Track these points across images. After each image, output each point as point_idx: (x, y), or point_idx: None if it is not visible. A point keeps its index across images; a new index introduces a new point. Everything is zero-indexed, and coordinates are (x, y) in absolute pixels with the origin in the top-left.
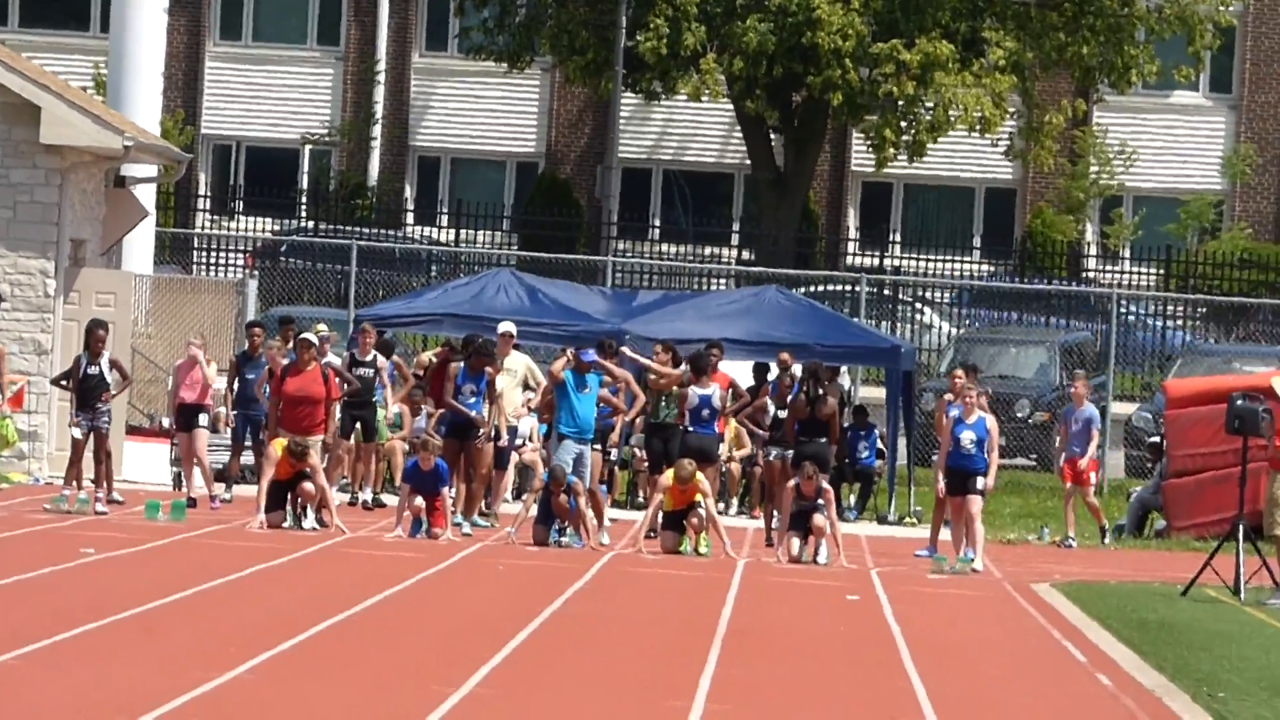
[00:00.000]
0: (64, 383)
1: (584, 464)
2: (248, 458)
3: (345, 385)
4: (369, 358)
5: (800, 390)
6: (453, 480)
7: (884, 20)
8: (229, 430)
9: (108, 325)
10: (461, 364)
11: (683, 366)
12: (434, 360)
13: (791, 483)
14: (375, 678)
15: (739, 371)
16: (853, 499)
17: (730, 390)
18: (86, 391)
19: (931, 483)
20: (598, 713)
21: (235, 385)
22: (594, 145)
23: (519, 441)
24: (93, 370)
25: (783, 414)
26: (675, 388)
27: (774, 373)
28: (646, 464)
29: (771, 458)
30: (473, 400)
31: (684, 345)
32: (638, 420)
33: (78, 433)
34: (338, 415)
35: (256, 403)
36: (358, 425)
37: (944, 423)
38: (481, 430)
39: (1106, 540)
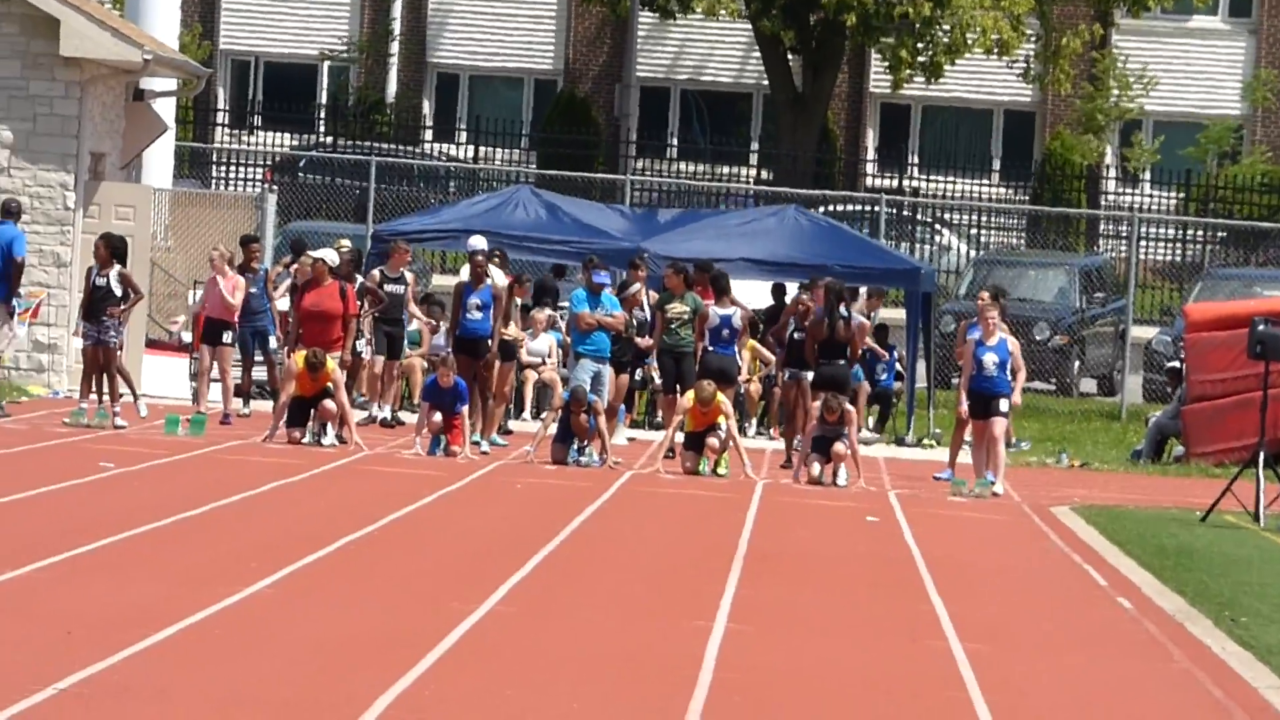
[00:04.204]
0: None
1: (601, 382)
2: (259, 373)
3: (367, 302)
4: (398, 274)
5: (825, 311)
6: (471, 398)
7: None
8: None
9: (111, 239)
10: (466, 280)
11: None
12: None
13: (816, 406)
14: (394, 595)
15: (757, 292)
16: (871, 421)
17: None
18: (94, 303)
19: (952, 405)
20: (618, 632)
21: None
22: (612, 63)
23: (536, 360)
24: (99, 282)
25: (799, 335)
26: (687, 311)
27: (791, 293)
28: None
29: (787, 378)
30: (479, 316)
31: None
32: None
33: (78, 343)
34: (363, 331)
35: (260, 315)
36: (384, 340)
37: (964, 346)
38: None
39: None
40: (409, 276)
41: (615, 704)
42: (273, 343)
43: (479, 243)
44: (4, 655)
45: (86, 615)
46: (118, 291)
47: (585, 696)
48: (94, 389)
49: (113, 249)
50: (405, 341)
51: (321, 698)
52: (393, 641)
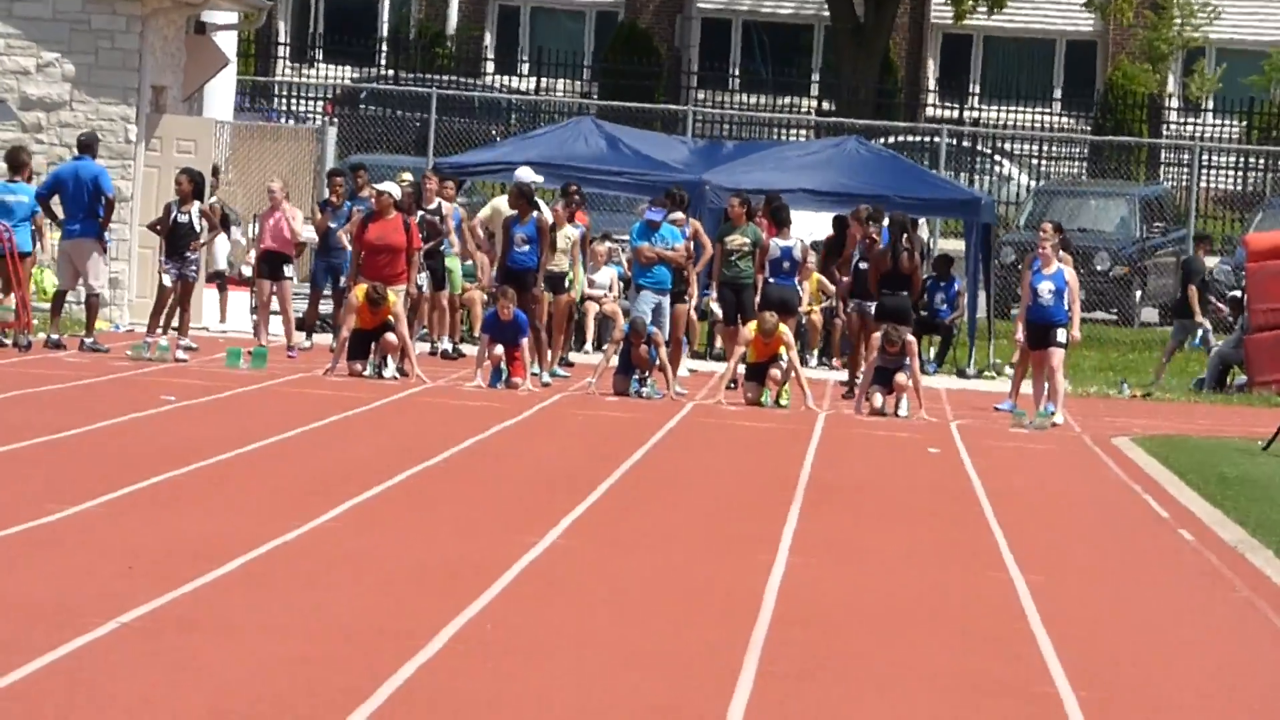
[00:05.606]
0: (157, 228)
1: (662, 314)
2: (326, 306)
3: (427, 233)
4: (433, 205)
5: (889, 242)
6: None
7: None
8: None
9: (193, 174)
10: (514, 213)
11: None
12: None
13: (877, 337)
14: (456, 528)
15: (818, 223)
16: (932, 352)
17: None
18: (176, 239)
19: (1011, 336)
20: (680, 564)
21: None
22: None
23: (598, 293)
24: (182, 218)
25: (865, 266)
26: (747, 243)
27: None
28: (721, 315)
29: (850, 310)
30: (526, 249)
31: (762, 195)
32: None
33: (167, 279)
34: (423, 264)
35: (340, 250)
36: (425, 274)
37: (1026, 277)
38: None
39: None
40: (445, 208)
41: (676, 637)
42: (342, 282)
43: (526, 174)
44: (66, 589)
45: (149, 549)
46: (198, 227)
47: (646, 629)
48: (165, 324)
49: (195, 184)
50: (457, 273)
51: (384, 628)
52: (455, 573)
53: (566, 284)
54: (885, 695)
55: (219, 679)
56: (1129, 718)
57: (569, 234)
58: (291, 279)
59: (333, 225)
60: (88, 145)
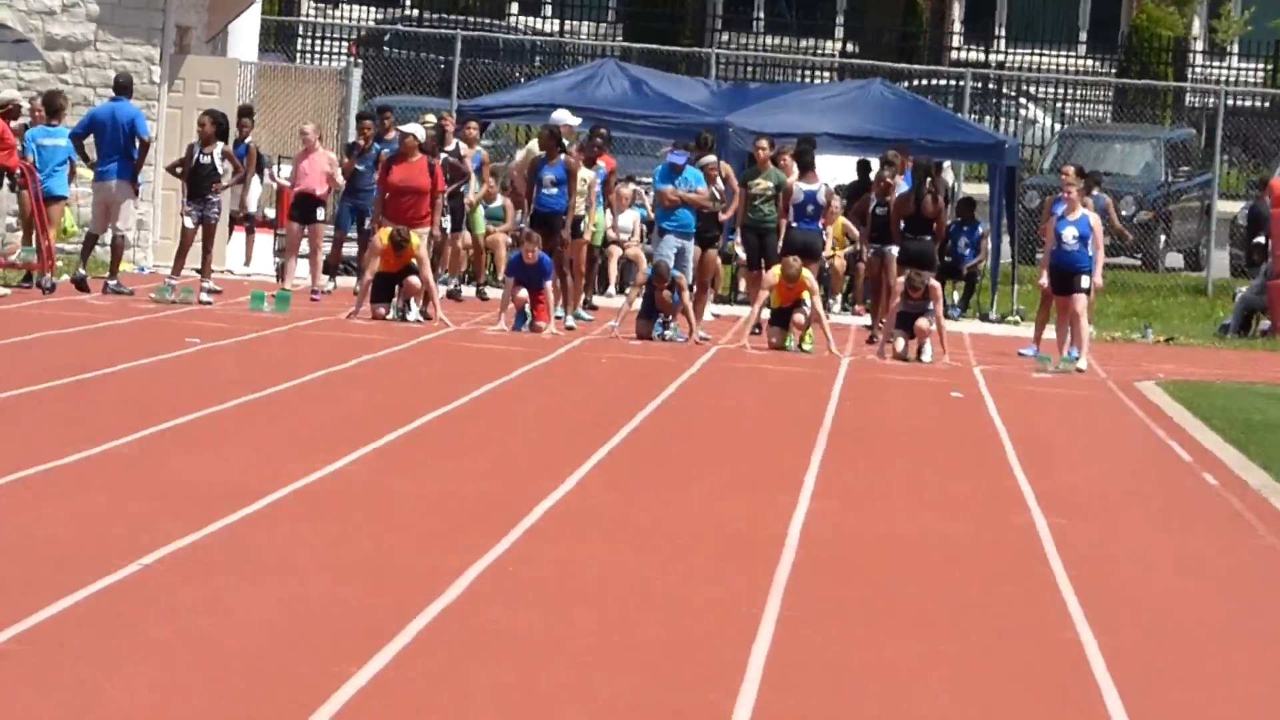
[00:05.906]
0: (178, 170)
1: (686, 258)
2: (350, 249)
3: (451, 176)
4: (450, 146)
5: (913, 186)
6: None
7: None
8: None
9: (216, 115)
10: (542, 153)
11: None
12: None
13: (900, 281)
14: (480, 470)
15: (842, 167)
16: (956, 296)
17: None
18: (198, 181)
19: (1035, 281)
20: (703, 507)
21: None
22: None
23: (623, 236)
24: (204, 160)
25: (882, 210)
26: (770, 187)
27: (875, 168)
28: (745, 259)
29: (872, 254)
30: (555, 191)
31: (786, 139)
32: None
33: (189, 222)
34: (446, 207)
35: (366, 193)
36: (447, 216)
37: (1049, 223)
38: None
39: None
40: (464, 150)
41: (699, 578)
42: (367, 224)
43: (564, 117)
44: (90, 530)
45: (172, 490)
46: (220, 169)
47: (669, 571)
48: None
49: (218, 126)
50: (479, 214)
51: (408, 569)
52: (478, 516)
53: (582, 227)
54: (906, 638)
55: (243, 620)
56: (1150, 663)
57: (585, 176)
58: (323, 221)
59: (360, 168)
60: (124, 86)
